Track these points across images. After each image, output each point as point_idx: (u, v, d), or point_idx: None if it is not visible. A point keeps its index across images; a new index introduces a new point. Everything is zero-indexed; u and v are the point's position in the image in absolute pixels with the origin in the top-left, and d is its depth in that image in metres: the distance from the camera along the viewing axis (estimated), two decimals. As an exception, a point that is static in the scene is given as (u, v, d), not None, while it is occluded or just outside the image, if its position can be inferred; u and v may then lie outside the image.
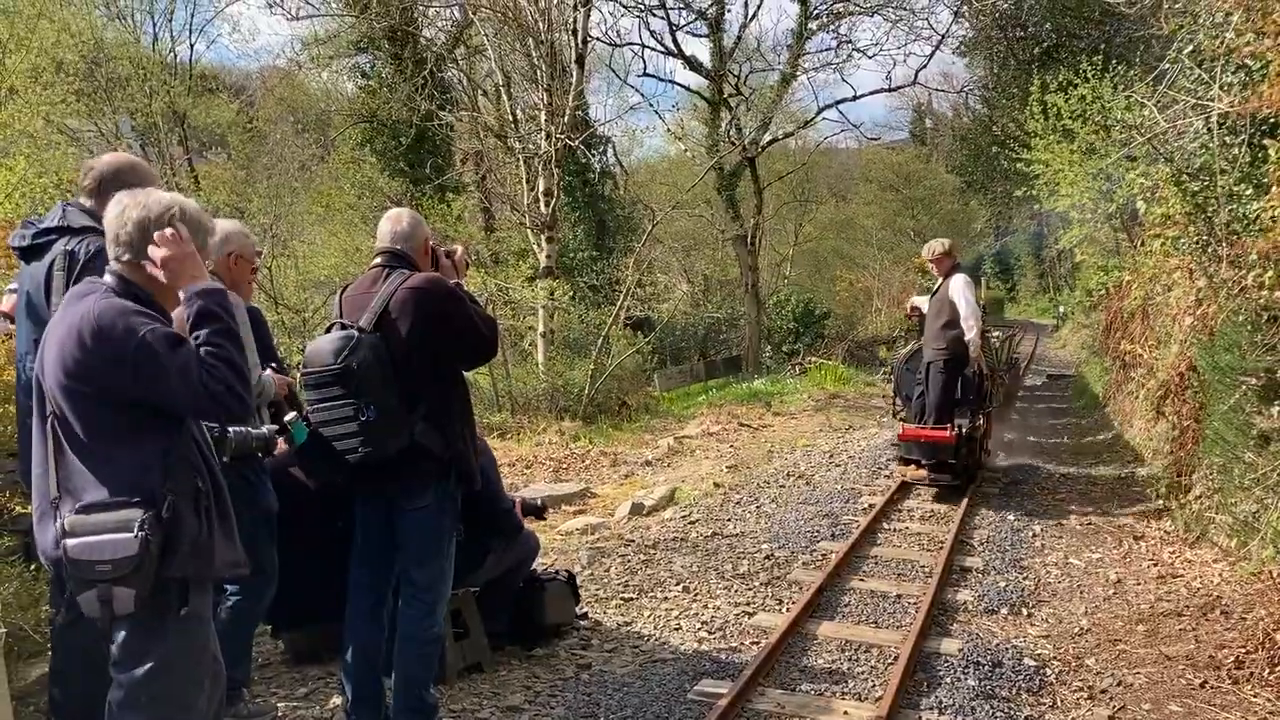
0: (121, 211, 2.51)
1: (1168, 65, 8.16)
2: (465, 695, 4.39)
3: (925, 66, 32.62)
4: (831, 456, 11.25)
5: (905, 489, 8.92)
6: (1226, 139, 6.92)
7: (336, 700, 4.12)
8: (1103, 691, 4.69)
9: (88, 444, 2.42)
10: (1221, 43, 6.59)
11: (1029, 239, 44.87)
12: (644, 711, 4.31)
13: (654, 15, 24.44)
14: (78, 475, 2.43)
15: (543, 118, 16.47)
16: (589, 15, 17.48)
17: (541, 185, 16.33)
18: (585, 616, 5.60)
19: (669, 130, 28.53)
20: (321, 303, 14.78)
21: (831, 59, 26.71)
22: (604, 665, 4.91)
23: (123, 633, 2.46)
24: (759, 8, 47.72)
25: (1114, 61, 12.28)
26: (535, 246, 17.00)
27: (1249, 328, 6.38)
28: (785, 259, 33.68)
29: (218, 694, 2.69)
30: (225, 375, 2.42)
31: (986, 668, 4.89)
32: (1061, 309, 36.59)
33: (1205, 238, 7.30)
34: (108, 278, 2.53)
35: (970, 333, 8.25)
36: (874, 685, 4.70)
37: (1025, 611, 5.89)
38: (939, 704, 4.48)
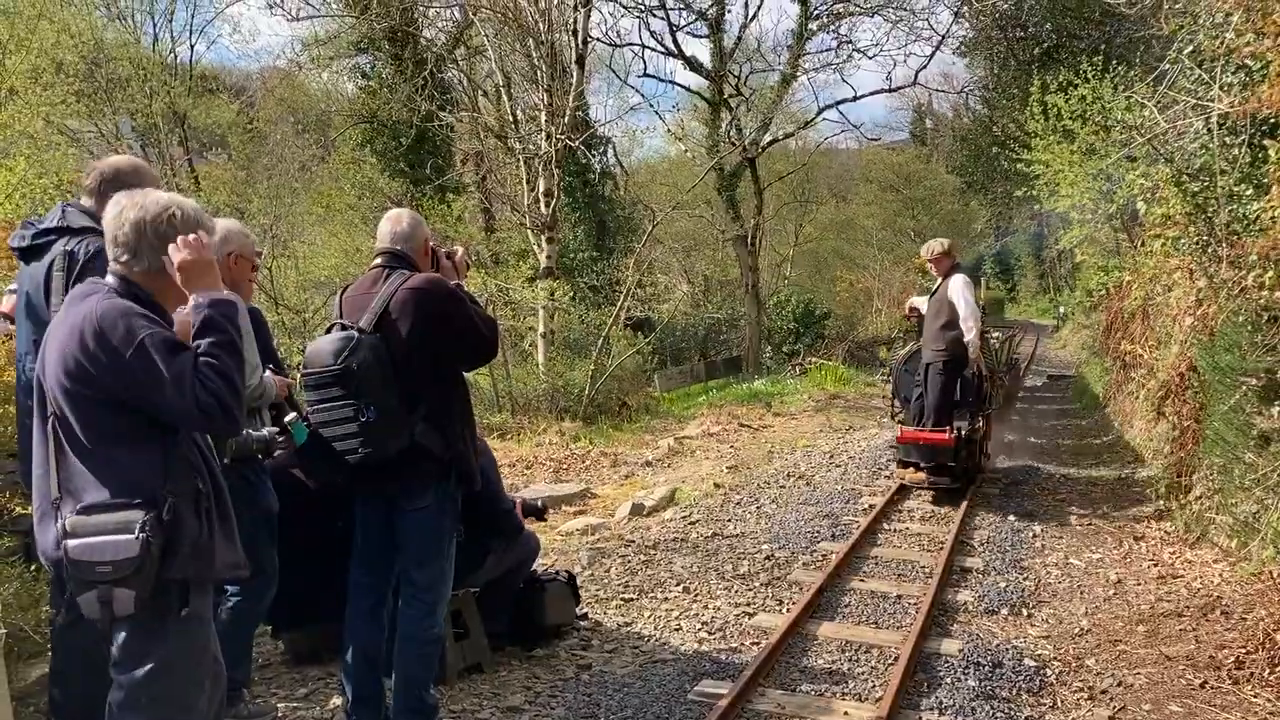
0: (119, 213, 2.50)
1: (1168, 66, 8.16)
2: (465, 696, 4.39)
3: (925, 67, 32.72)
4: (832, 457, 11.25)
5: (905, 489, 8.91)
6: (1226, 139, 6.92)
7: (337, 701, 4.12)
8: (1103, 692, 4.69)
9: (89, 445, 2.42)
10: (1221, 43, 6.59)
11: (1029, 239, 44.87)
12: (644, 712, 4.31)
13: (654, 16, 24.47)
14: (78, 476, 2.42)
15: (543, 118, 16.48)
16: (589, 16, 17.53)
17: (542, 186, 16.33)
18: (585, 617, 5.60)
19: (669, 131, 28.57)
20: (322, 303, 14.78)
21: (832, 59, 26.76)
22: (604, 666, 4.90)
23: (123, 634, 2.46)
24: (759, 8, 47.70)
25: (1114, 62, 12.29)
26: (535, 247, 17.00)
27: (1249, 328, 6.38)
28: (785, 259, 33.68)
29: (218, 695, 2.68)
30: (218, 388, 2.39)
31: (987, 668, 4.89)
32: (1062, 309, 36.59)
33: (1205, 238, 7.31)
34: (109, 278, 2.52)
35: (969, 334, 8.17)
36: (874, 686, 4.70)
37: (1025, 612, 5.89)
38: (939, 704, 4.48)
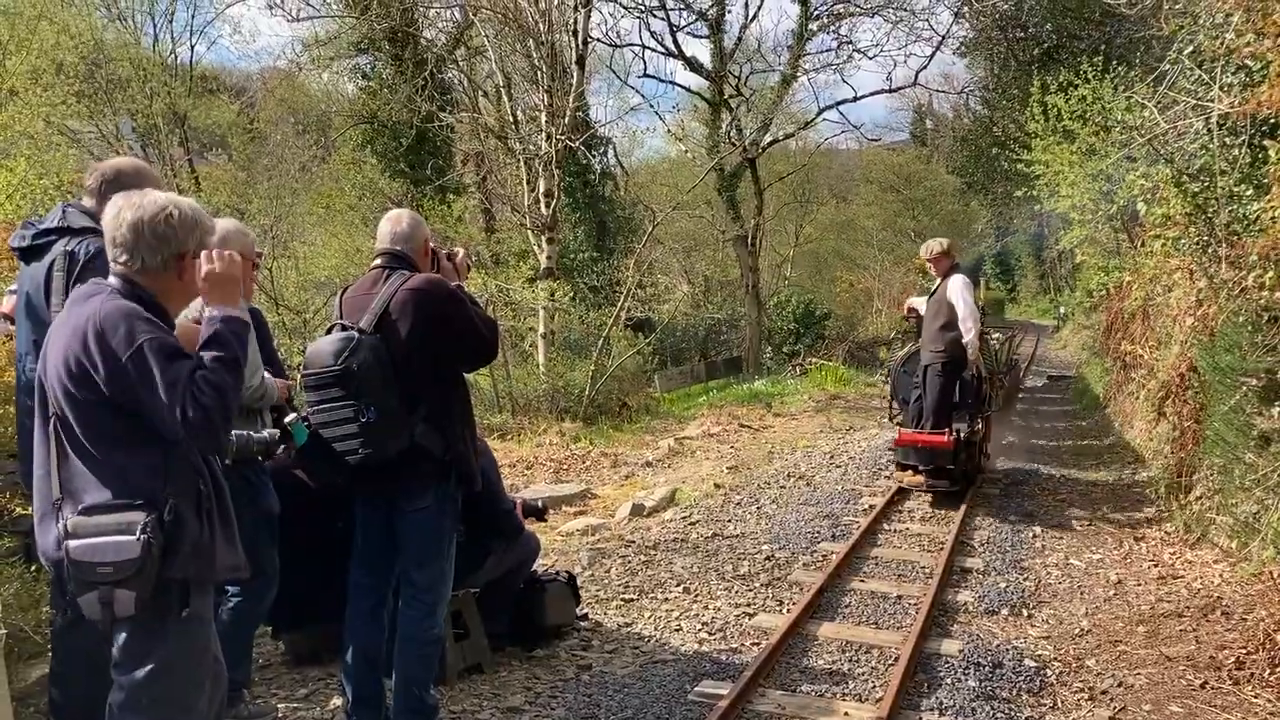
0: (117, 213, 2.50)
1: (1168, 66, 8.16)
2: (465, 696, 4.39)
3: (926, 67, 32.65)
4: (832, 457, 11.25)
5: (906, 490, 8.89)
6: (1227, 140, 6.92)
7: (337, 701, 4.12)
8: (1103, 692, 4.69)
9: (90, 446, 2.41)
10: (1222, 43, 6.59)
11: (1029, 240, 44.91)
12: (644, 712, 4.31)
13: (654, 16, 24.50)
14: (80, 477, 2.42)
15: (543, 119, 16.47)
16: (589, 16, 17.53)
17: (542, 186, 16.33)
18: (585, 617, 5.60)
19: (669, 131, 28.57)
20: (322, 304, 14.78)
21: (832, 60, 26.80)
22: (604, 666, 4.90)
23: (123, 634, 2.46)
24: (759, 9, 47.64)
25: (1114, 62, 12.30)
26: (536, 247, 17.01)
27: (1249, 328, 6.38)
28: (786, 260, 33.67)
29: (219, 695, 2.68)
30: (209, 402, 2.37)
31: (987, 669, 4.89)
32: (1062, 310, 36.59)
33: (1205, 238, 7.31)
34: (112, 279, 2.52)
35: (968, 335, 8.07)
36: (874, 686, 4.70)
37: (1026, 612, 5.89)
38: (939, 705, 4.48)
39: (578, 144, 16.94)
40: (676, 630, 5.52)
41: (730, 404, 17.28)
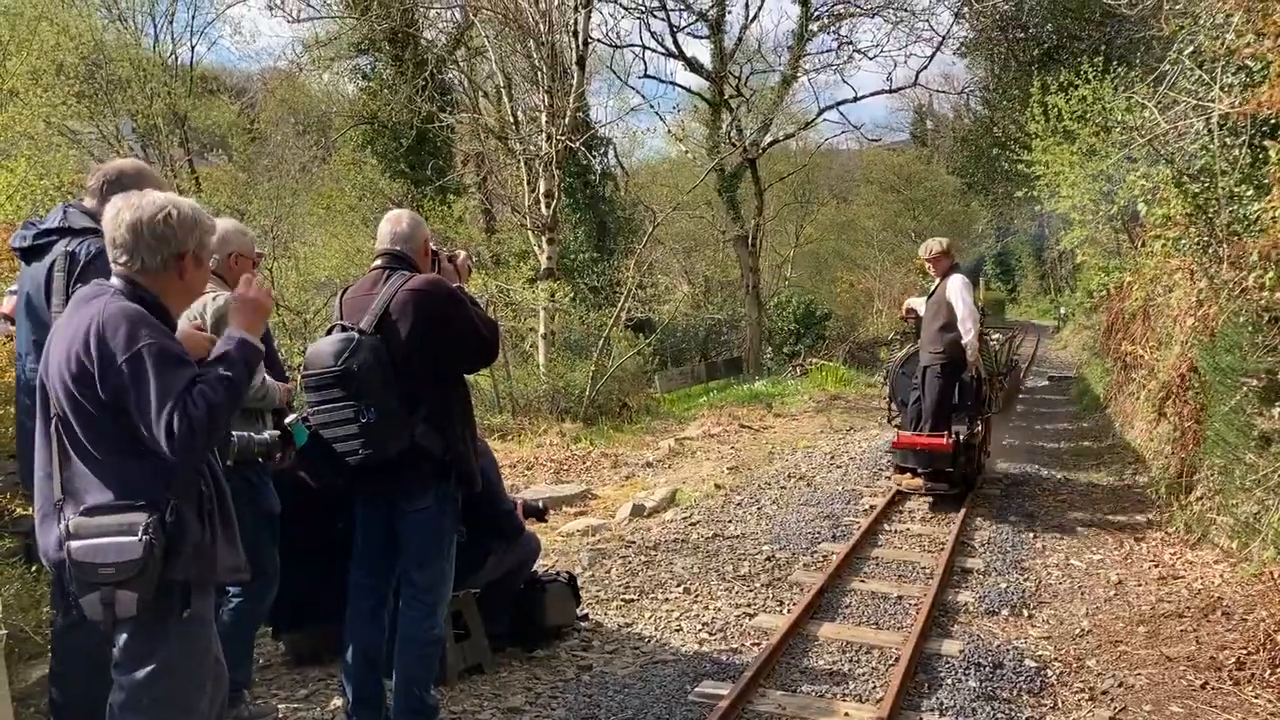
0: (116, 214, 2.50)
1: (1168, 66, 8.17)
2: (466, 696, 4.39)
3: (926, 68, 32.61)
4: (832, 458, 11.25)
5: (906, 491, 8.88)
6: (1227, 140, 6.92)
7: (337, 702, 4.12)
8: (1104, 693, 4.69)
9: (91, 447, 2.41)
10: (1222, 44, 6.60)
11: (1030, 240, 44.90)
12: (645, 713, 4.31)
13: (654, 17, 24.51)
14: (81, 478, 2.42)
15: (544, 119, 16.47)
16: (590, 17, 17.53)
17: (542, 187, 16.34)
18: (586, 618, 5.60)
19: (670, 132, 28.58)
20: (322, 304, 14.78)
21: (832, 60, 26.82)
22: (605, 666, 4.90)
23: (124, 635, 2.46)
24: (759, 9, 47.68)
25: (1114, 63, 12.31)
26: (536, 248, 17.01)
27: (1250, 329, 6.38)
28: (786, 260, 33.67)
29: (220, 696, 2.68)
30: (199, 415, 2.35)
31: (987, 669, 4.89)
32: (1062, 310, 36.57)
33: (1206, 239, 7.31)
34: (114, 280, 2.52)
35: (968, 335, 7.95)
36: (875, 686, 4.70)
37: (1026, 613, 5.89)
38: (940, 705, 4.48)
39: (578, 144, 16.94)
40: (677, 631, 5.52)
41: (731, 404, 17.28)
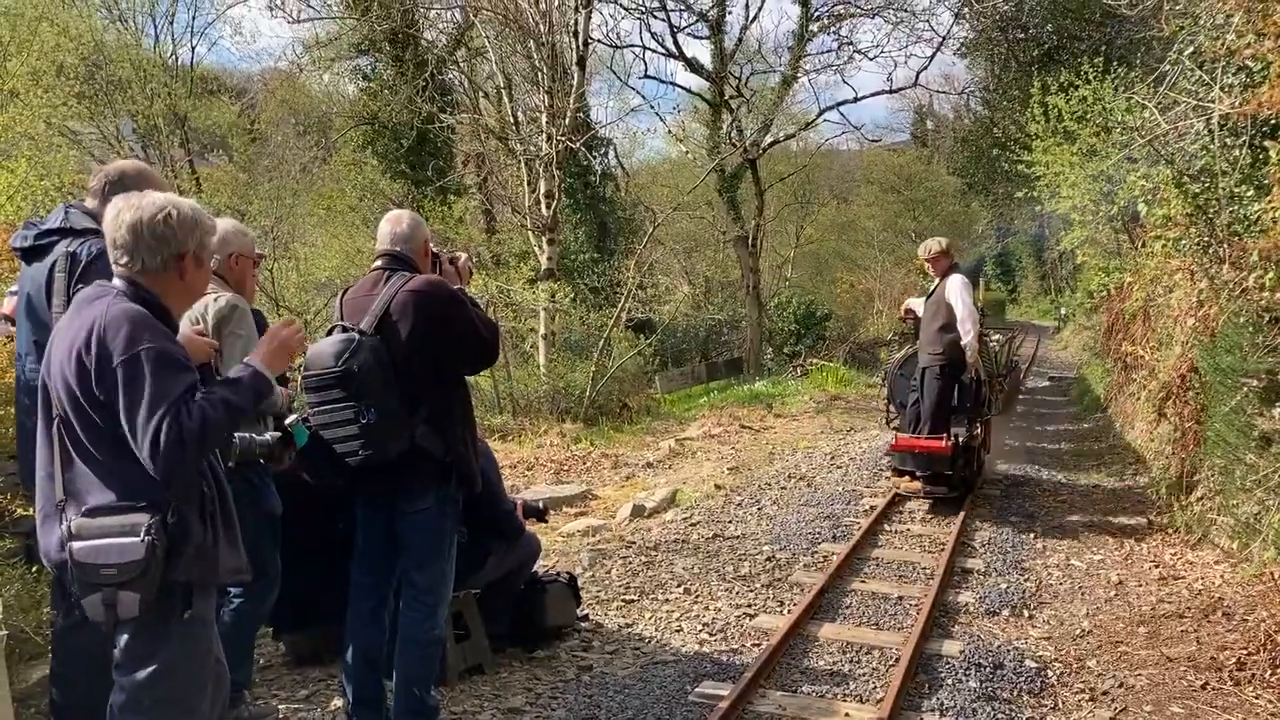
0: (116, 215, 2.50)
1: (1168, 67, 8.17)
2: (466, 697, 4.39)
3: (926, 68, 32.47)
4: (833, 458, 11.25)
5: (905, 492, 8.88)
6: (1227, 140, 6.92)
7: (338, 702, 4.12)
8: (1104, 693, 4.69)
9: (93, 448, 2.41)
10: (1222, 44, 6.60)
11: (1030, 241, 44.86)
12: (645, 713, 4.31)
13: (655, 17, 24.50)
14: (83, 479, 2.42)
15: (544, 120, 16.48)
16: (590, 17, 17.52)
17: (543, 187, 16.34)
18: (586, 618, 5.61)
19: (670, 132, 28.60)
20: (323, 305, 14.79)
21: (832, 60, 26.75)
22: (605, 667, 4.91)
23: (126, 636, 2.46)
24: (760, 10, 47.70)
25: (1115, 63, 12.31)
26: (536, 248, 17.01)
27: (1250, 329, 6.38)
28: (786, 261, 33.64)
29: (220, 697, 2.69)
30: (192, 429, 2.33)
31: (988, 669, 4.89)
32: (1063, 310, 36.55)
33: (1206, 239, 7.31)
34: (116, 281, 2.51)
35: (967, 336, 7.85)
36: (875, 687, 4.70)
37: (1027, 613, 5.89)
38: (940, 705, 4.48)
39: (578, 145, 16.93)
40: (677, 631, 5.52)
41: (731, 405, 17.27)
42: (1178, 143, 8.01)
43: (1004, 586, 6.34)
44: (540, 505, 5.33)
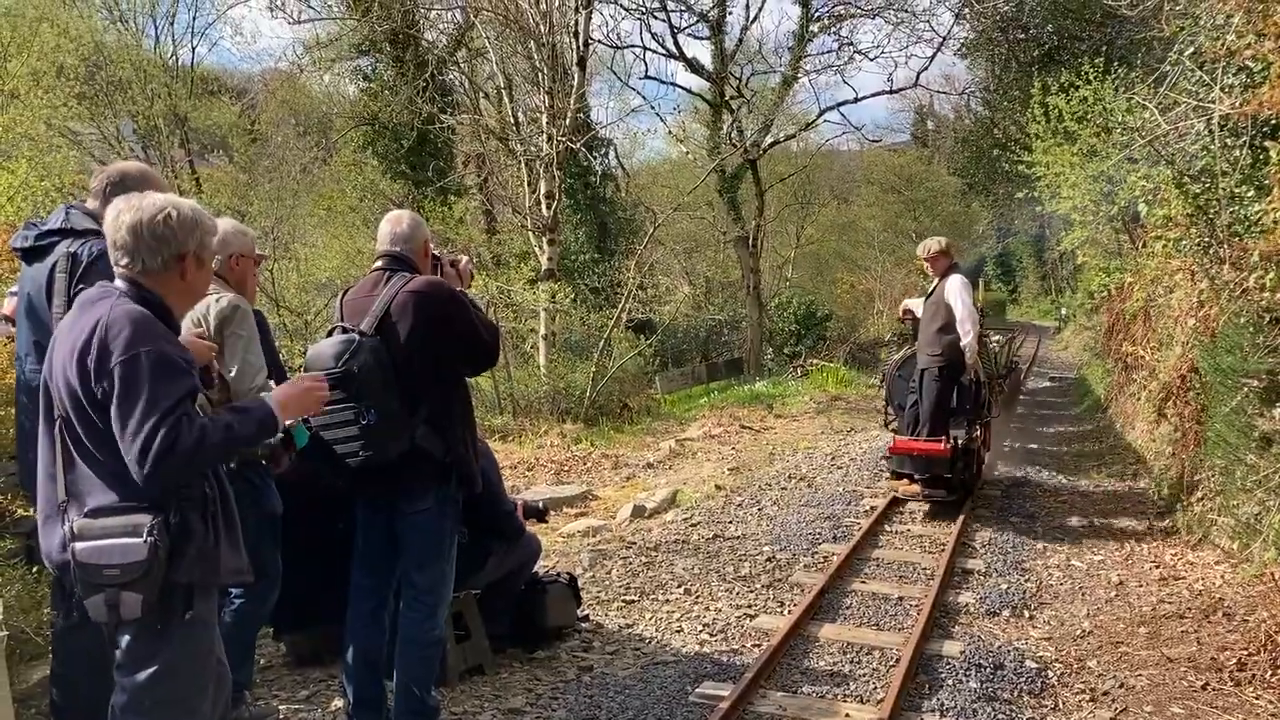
0: (116, 217, 2.50)
1: (1169, 67, 8.17)
2: (467, 697, 4.40)
3: (927, 68, 32.51)
4: (833, 459, 11.25)
5: (905, 493, 8.86)
6: (1228, 141, 6.92)
7: (338, 703, 4.12)
8: (1104, 693, 4.69)
9: (95, 449, 2.40)
10: (1222, 45, 6.60)
11: (1031, 241, 44.88)
12: (645, 714, 4.31)
13: (655, 18, 24.51)
14: (85, 480, 2.42)
15: (544, 120, 16.48)
16: (590, 18, 17.53)
17: (543, 188, 16.34)
18: (587, 619, 5.60)
19: (670, 132, 28.65)
20: (323, 305, 14.77)
21: (833, 61, 26.74)
22: (605, 667, 4.91)
23: (127, 637, 2.46)
24: (760, 10, 47.68)
25: (1115, 63, 12.30)
26: (537, 249, 17.01)
27: (1251, 329, 6.38)
28: (787, 261, 33.66)
29: (222, 698, 2.69)
30: (186, 442, 2.31)
31: (988, 670, 4.89)
32: (1063, 311, 36.57)
33: (1207, 240, 7.31)
34: (119, 283, 2.51)
35: (967, 337, 7.72)
36: (876, 687, 4.70)
37: (1027, 614, 5.89)
38: (941, 706, 4.48)
39: (579, 145, 16.93)
40: (678, 631, 5.52)
41: (731, 405, 17.27)
42: (1178, 143, 8.01)
43: (1004, 587, 6.34)
44: (540, 506, 5.34)
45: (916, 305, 8.64)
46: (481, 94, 22.42)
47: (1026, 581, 6.50)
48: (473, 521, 4.11)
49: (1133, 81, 10.47)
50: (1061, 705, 4.58)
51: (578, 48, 17.03)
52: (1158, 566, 6.75)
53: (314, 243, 18.28)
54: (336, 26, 20.86)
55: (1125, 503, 8.73)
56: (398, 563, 3.69)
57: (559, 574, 5.38)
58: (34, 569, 3.95)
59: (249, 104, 27.24)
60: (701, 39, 26.27)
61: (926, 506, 8.42)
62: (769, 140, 26.62)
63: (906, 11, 24.91)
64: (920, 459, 8.02)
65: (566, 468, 11.22)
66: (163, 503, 2.39)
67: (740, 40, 26.45)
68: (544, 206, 16.33)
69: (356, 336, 3.42)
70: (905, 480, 8.27)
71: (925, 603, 5.76)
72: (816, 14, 25.26)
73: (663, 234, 25.10)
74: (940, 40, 25.97)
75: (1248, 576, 5.97)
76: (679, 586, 6.36)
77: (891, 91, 28.71)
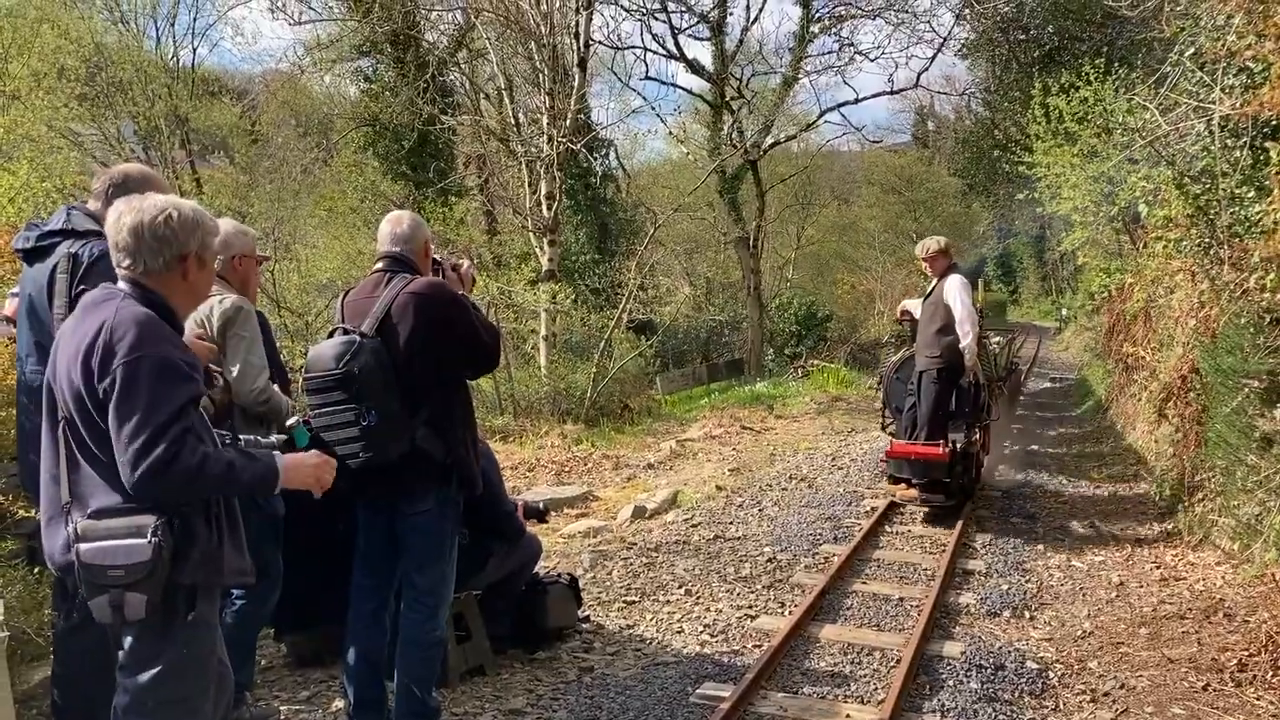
0: (117, 218, 2.50)
1: (1169, 68, 8.17)
2: (467, 698, 4.40)
3: (927, 69, 32.48)
4: (834, 459, 11.25)
5: (906, 493, 8.84)
6: (1228, 142, 6.93)
7: (339, 703, 4.13)
8: (1105, 694, 4.69)
9: (99, 451, 2.40)
10: (1223, 45, 6.60)
11: (1031, 242, 44.87)
12: (646, 714, 4.31)
13: (656, 19, 24.53)
14: (89, 481, 2.42)
15: (545, 121, 16.48)
16: (591, 19, 17.53)
17: (544, 188, 16.34)
18: (587, 620, 5.61)
19: (671, 133, 28.66)
20: (324, 306, 14.78)
21: (833, 62, 26.75)
22: (606, 668, 4.91)
23: (130, 638, 2.46)
24: (761, 11, 47.66)
25: (1116, 64, 12.28)
26: (537, 250, 17.01)
27: (1251, 330, 6.38)
28: (787, 262, 33.68)
29: (224, 699, 2.69)
30: (188, 463, 2.32)
31: (989, 671, 4.89)
32: (1064, 311, 36.55)
33: (1207, 240, 7.31)
34: (122, 284, 2.51)
35: (966, 339, 7.56)
36: (876, 688, 4.70)
37: (1028, 614, 5.89)
38: (941, 707, 4.48)
39: (579, 146, 16.93)
40: (678, 632, 5.52)
41: (732, 406, 17.28)
42: (1179, 144, 8.01)
43: (1005, 588, 6.34)
44: (541, 506, 5.34)
45: (915, 306, 8.49)
46: (482, 95, 22.44)
47: (1027, 582, 6.50)
48: (473, 522, 4.11)
49: (1133, 82, 10.46)
50: (1062, 706, 4.58)
51: (578, 49, 17.03)
52: (1158, 567, 6.75)
53: (315, 244, 18.30)
54: (337, 27, 20.88)
55: (1126, 504, 8.73)
56: (398, 564, 3.69)
57: (560, 575, 5.38)
58: (35, 570, 3.95)
59: (250, 105, 27.23)
60: (702, 40, 26.28)
61: (927, 507, 8.40)
62: (769, 141, 26.64)
63: (907, 12, 24.95)
64: (918, 463, 7.85)
65: (567, 468, 11.22)
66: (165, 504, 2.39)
67: (741, 41, 26.49)
68: (545, 207, 16.34)
69: (357, 338, 3.43)
70: (903, 485, 8.13)
71: (926, 603, 5.76)
72: (817, 15, 25.30)
73: (663, 235, 25.11)
74: (941, 41, 26.00)
75: (1248, 577, 5.97)
76: (680, 587, 6.36)
77: (892, 92, 28.72)
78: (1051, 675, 4.92)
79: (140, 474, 2.30)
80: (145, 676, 2.45)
